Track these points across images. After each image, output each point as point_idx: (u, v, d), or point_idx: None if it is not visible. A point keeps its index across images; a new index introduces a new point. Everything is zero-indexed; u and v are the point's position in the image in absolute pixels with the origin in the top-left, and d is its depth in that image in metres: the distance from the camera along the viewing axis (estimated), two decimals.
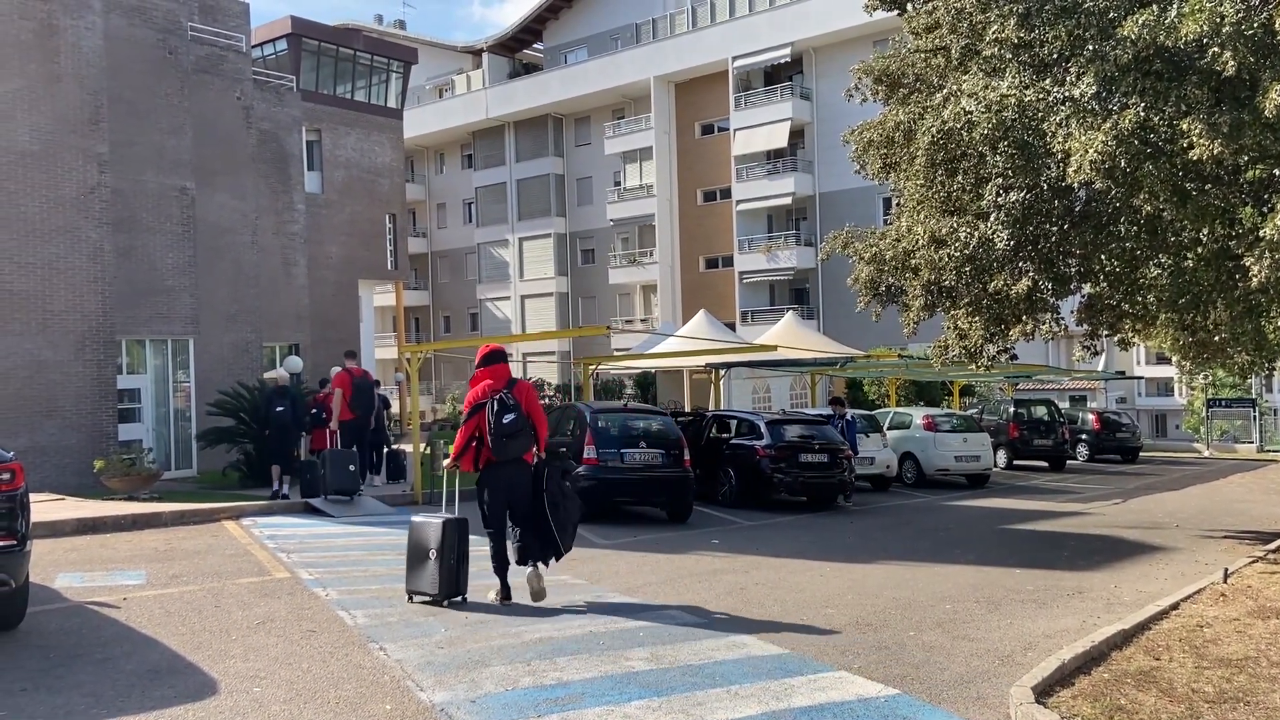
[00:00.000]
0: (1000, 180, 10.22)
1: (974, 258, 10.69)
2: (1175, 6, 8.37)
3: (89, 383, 16.51)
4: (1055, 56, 9.60)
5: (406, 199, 35.44)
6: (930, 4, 11.60)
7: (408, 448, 17.79)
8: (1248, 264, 8.75)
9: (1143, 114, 8.63)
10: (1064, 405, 30.67)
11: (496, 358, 8.33)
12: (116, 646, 6.76)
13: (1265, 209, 8.60)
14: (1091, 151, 8.64)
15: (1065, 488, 20.47)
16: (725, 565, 10.45)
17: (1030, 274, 11.02)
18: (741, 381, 26.99)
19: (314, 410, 16.05)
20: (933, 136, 10.39)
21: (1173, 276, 10.46)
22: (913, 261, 11.65)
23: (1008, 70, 9.87)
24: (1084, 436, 27.98)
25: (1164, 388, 40.51)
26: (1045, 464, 25.66)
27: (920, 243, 11.29)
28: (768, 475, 15.51)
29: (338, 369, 16.26)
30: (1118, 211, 10.43)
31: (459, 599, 8.11)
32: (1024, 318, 11.69)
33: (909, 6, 12.49)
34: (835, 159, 36.33)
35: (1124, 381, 37.95)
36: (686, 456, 14.23)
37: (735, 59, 42.32)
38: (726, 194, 43.87)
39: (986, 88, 9.83)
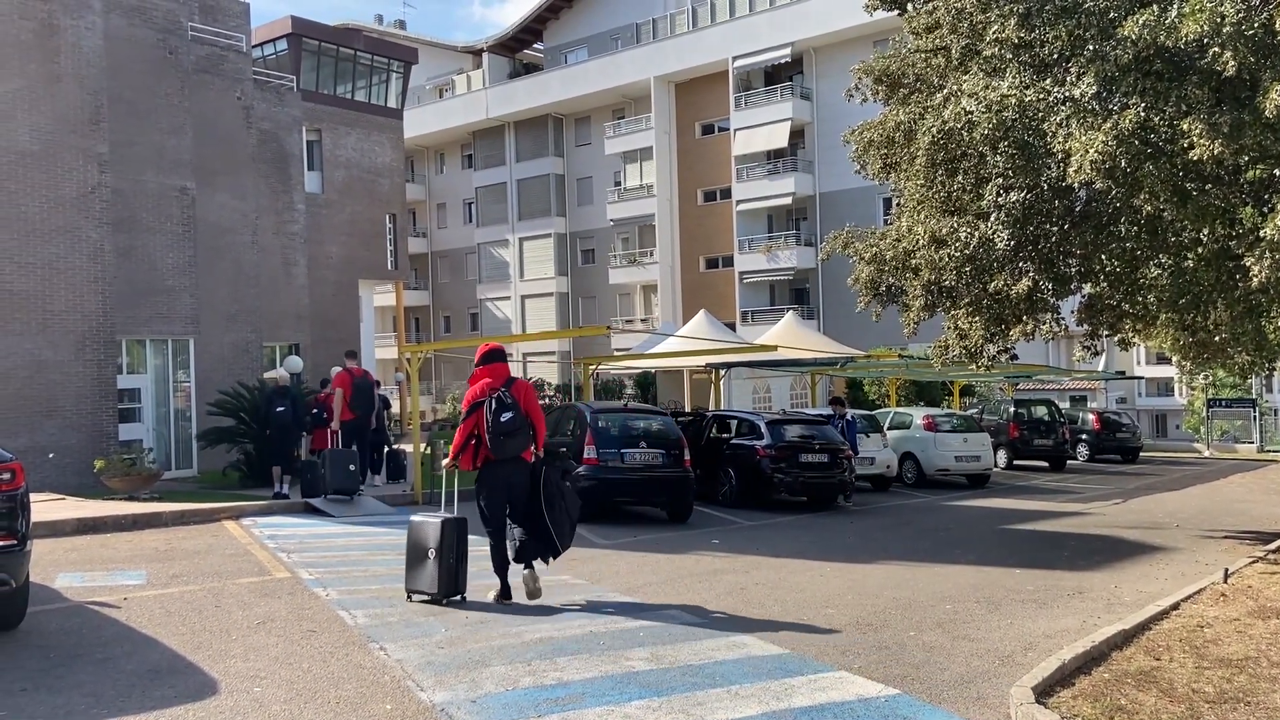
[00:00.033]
0: (1000, 180, 10.22)
1: (974, 258, 10.69)
2: (1176, 6, 8.38)
3: (89, 383, 16.51)
4: (1056, 56, 9.60)
5: (407, 199, 35.43)
6: (930, 4, 11.59)
7: (408, 448, 17.79)
8: (1248, 264, 8.76)
9: (1143, 114, 8.63)
10: (1064, 405, 30.69)
11: (495, 356, 8.35)
12: (117, 646, 6.76)
13: (1265, 209, 8.60)
14: (1092, 151, 8.64)
15: (1065, 488, 20.47)
16: (725, 565, 10.45)
17: (1030, 274, 11.02)
18: (742, 381, 26.99)
19: (315, 410, 16.06)
20: (933, 136, 10.39)
21: (1173, 276, 10.46)
22: (913, 261, 11.65)
23: (1008, 70, 9.87)
24: (1084, 436, 27.97)
25: (1164, 388, 40.51)
26: (1045, 464, 25.66)
27: (920, 243, 11.29)
28: (768, 475, 15.51)
29: (338, 369, 16.27)
30: (1118, 211, 10.43)
31: (458, 598, 8.12)
32: (1024, 318, 11.69)
33: (909, 6, 12.49)
34: (835, 159, 36.34)
35: (1124, 381, 37.95)
36: (687, 456, 14.23)
37: (735, 59, 42.32)
38: (727, 194, 43.87)
39: (987, 88, 9.83)
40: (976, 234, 10.58)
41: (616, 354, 31.22)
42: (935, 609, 8.34)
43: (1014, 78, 9.73)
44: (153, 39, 18.80)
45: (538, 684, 5.95)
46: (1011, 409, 26.99)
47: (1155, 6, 8.57)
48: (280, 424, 15.22)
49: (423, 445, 16.32)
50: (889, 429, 20.81)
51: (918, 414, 21.71)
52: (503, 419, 7.99)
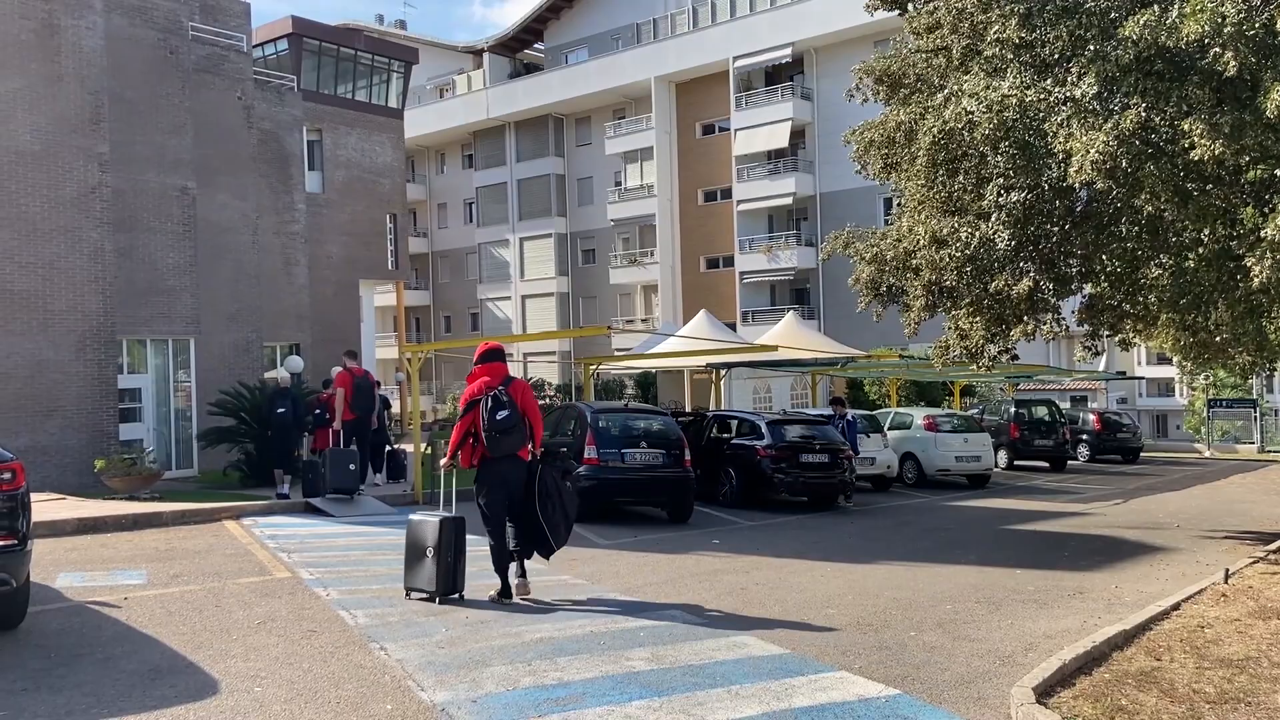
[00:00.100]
0: (1001, 180, 10.22)
1: (975, 258, 10.69)
2: (1176, 7, 8.38)
3: (90, 382, 16.51)
4: (1056, 57, 9.60)
5: (407, 199, 35.44)
6: (931, 4, 11.59)
7: (408, 447, 17.79)
8: (1249, 264, 8.75)
9: (1144, 114, 8.63)
10: (1065, 405, 30.67)
11: (494, 355, 8.43)
12: (117, 646, 6.76)
13: (1266, 209, 8.59)
14: (1093, 152, 8.64)
15: (1066, 488, 20.47)
16: (726, 565, 10.44)
17: (1031, 274, 11.02)
18: (742, 382, 27.00)
19: (317, 411, 16.07)
20: (934, 137, 10.38)
21: (1174, 277, 10.45)
22: (914, 262, 11.65)
23: (1009, 70, 9.87)
24: (1085, 437, 27.98)
25: (1165, 388, 40.49)
26: (1046, 464, 25.65)
27: (921, 243, 11.28)
28: (768, 475, 15.51)
29: (339, 369, 16.28)
30: (1119, 212, 10.43)
31: (456, 596, 8.16)
32: (1025, 318, 11.68)
33: (910, 6, 12.47)
34: (836, 159, 36.32)
35: (1125, 382, 37.94)
36: (687, 456, 14.23)
37: (736, 59, 42.31)
38: (727, 194, 43.86)
39: (988, 88, 9.83)
40: (977, 234, 10.57)
41: (617, 354, 31.21)
42: (936, 609, 8.34)
43: (1015, 78, 9.73)
44: (153, 39, 18.80)
45: (538, 684, 5.95)
46: (1012, 409, 26.98)
47: (1156, 7, 8.57)
48: (281, 424, 15.23)
49: (423, 445, 16.33)
50: (889, 429, 20.80)
51: (918, 414, 21.70)
52: (499, 417, 8.07)
